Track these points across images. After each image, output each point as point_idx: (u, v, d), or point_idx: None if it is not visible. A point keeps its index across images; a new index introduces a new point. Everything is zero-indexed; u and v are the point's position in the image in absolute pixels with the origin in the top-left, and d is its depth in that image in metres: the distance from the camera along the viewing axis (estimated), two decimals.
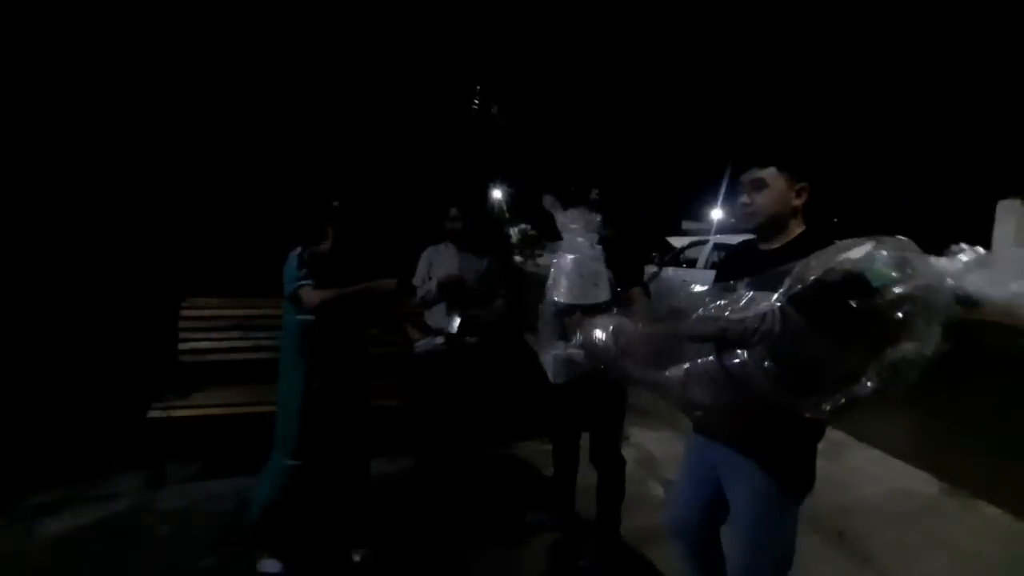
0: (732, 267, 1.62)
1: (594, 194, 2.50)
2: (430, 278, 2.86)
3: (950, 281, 1.16)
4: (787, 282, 1.20)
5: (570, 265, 1.88)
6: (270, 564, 2.33)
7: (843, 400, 1.16)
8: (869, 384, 1.14)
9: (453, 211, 2.90)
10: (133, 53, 3.85)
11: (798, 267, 1.20)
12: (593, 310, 1.79)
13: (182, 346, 3.48)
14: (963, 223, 12.02)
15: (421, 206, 3.23)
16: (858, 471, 3.36)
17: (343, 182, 2.32)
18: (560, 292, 1.86)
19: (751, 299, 1.23)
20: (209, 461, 3.35)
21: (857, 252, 1.16)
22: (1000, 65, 13.51)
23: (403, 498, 2.97)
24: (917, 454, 3.59)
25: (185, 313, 3.53)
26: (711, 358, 1.30)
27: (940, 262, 1.18)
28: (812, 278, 1.16)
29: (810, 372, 1.18)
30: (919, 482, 3.23)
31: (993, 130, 13.53)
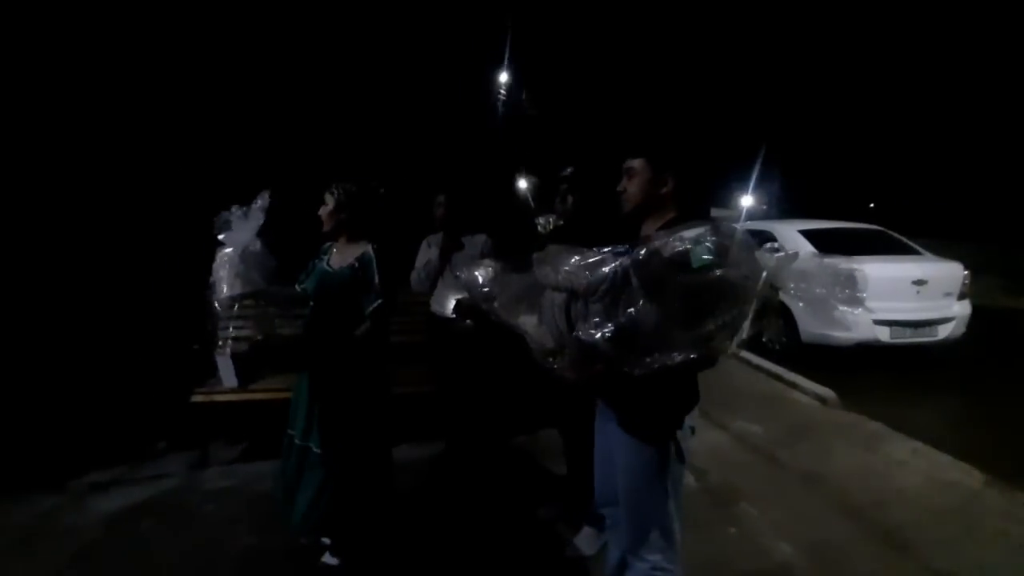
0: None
1: (567, 171, 2.55)
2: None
3: (765, 274, 1.39)
4: (636, 251, 1.36)
5: (227, 258, 2.13)
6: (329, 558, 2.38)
7: (657, 364, 1.32)
8: (677, 355, 1.31)
9: (439, 198, 3.00)
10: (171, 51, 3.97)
11: (649, 240, 1.38)
12: (257, 298, 2.16)
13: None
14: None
15: (420, 194, 3.29)
16: (898, 463, 3.27)
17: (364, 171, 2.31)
18: (224, 285, 2.12)
19: (601, 260, 1.40)
20: (251, 443, 3.48)
21: (689, 233, 1.33)
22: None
23: (419, 487, 3.01)
24: (959, 445, 3.48)
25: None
26: (559, 308, 1.47)
27: (761, 255, 1.42)
28: (653, 248, 1.33)
29: (635, 334, 1.32)
30: (961, 473, 3.12)
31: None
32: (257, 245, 2.18)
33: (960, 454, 3.33)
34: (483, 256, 2.95)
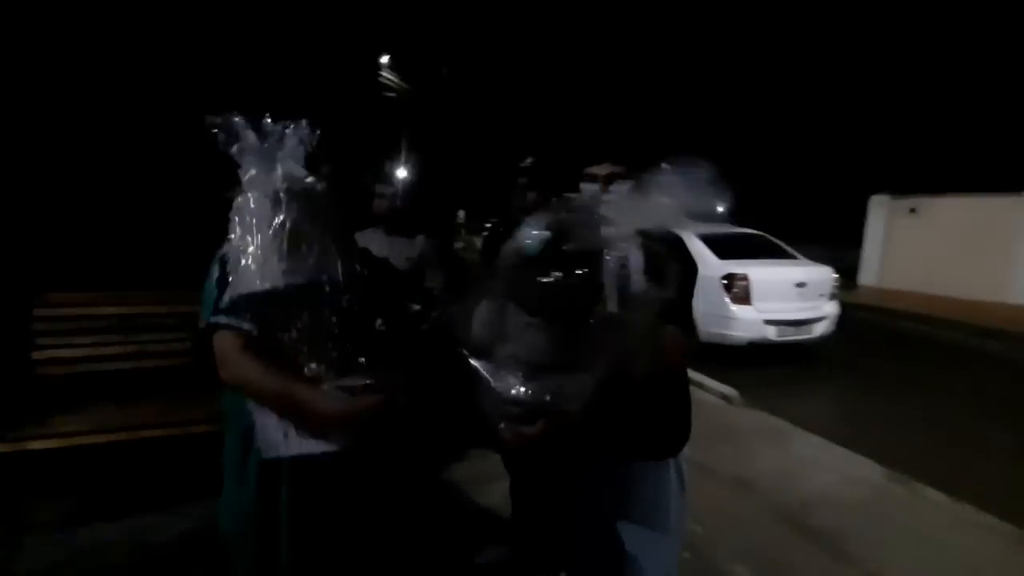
0: None
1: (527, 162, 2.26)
2: None
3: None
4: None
5: (254, 206, 1.13)
6: None
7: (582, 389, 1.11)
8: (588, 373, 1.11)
9: (379, 189, 2.55)
10: None
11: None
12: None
13: (38, 355, 2.72)
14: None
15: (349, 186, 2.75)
16: (808, 461, 3.40)
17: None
18: (250, 274, 1.13)
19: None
20: (88, 497, 2.65)
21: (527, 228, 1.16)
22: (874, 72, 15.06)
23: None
24: (849, 436, 3.74)
25: (41, 313, 2.75)
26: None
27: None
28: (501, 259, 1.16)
29: (542, 365, 1.14)
30: (864, 468, 3.31)
31: (867, 133, 15.09)
32: (307, 180, 1.22)
33: (853, 446, 3.57)
34: (422, 258, 2.51)
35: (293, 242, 1.12)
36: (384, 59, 12.45)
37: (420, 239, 2.57)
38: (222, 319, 1.17)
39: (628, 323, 1.13)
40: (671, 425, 1.43)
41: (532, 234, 1.13)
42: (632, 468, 1.41)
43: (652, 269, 1.18)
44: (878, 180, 12.29)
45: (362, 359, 1.15)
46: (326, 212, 1.20)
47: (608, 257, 1.12)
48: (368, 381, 1.15)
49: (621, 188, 1.24)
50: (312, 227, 1.16)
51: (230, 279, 1.16)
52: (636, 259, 1.15)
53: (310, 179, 1.20)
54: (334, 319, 1.14)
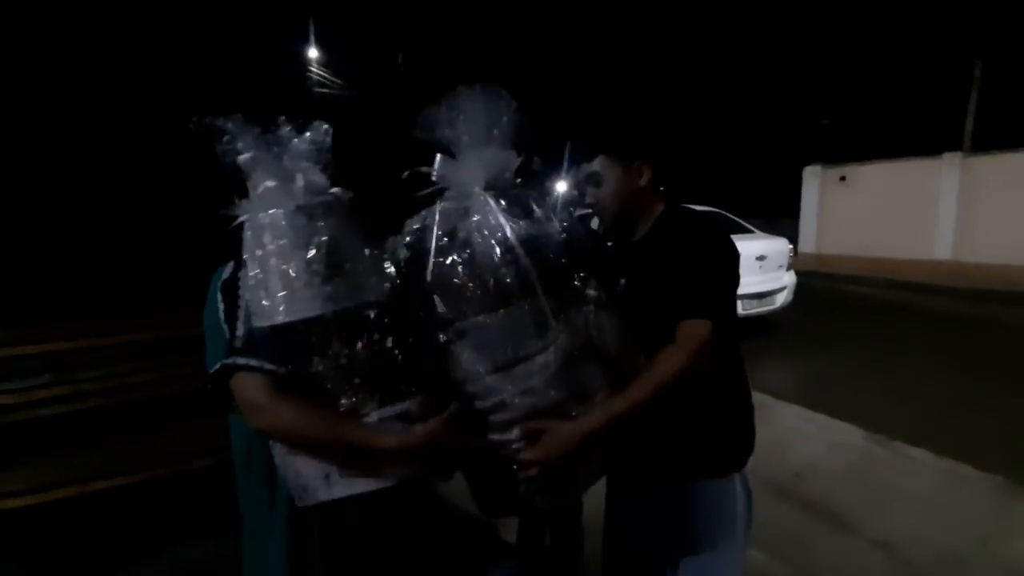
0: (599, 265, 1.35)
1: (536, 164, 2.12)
2: None
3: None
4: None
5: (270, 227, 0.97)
6: None
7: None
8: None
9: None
10: None
11: None
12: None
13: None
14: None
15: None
16: (792, 431, 3.45)
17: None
18: (268, 301, 0.96)
19: None
20: (28, 564, 2.32)
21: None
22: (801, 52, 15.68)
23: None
24: (824, 401, 3.84)
25: None
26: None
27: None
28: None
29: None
30: (845, 433, 3.39)
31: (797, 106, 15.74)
32: (333, 190, 1.08)
33: (831, 411, 3.66)
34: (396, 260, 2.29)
35: (330, 264, 0.97)
36: (313, 54, 11.94)
37: (392, 240, 2.35)
38: (239, 360, 0.99)
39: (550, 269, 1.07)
40: (724, 433, 1.31)
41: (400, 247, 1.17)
42: (694, 489, 1.29)
43: (519, 205, 1.11)
44: (810, 151, 12.84)
45: (393, 383, 1.02)
46: (358, 224, 1.08)
47: (473, 222, 1.07)
48: (409, 407, 1.03)
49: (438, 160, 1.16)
50: (348, 244, 1.02)
51: (240, 311, 1.01)
52: (494, 209, 1.08)
53: (335, 189, 1.07)
54: (365, 344, 1.00)
